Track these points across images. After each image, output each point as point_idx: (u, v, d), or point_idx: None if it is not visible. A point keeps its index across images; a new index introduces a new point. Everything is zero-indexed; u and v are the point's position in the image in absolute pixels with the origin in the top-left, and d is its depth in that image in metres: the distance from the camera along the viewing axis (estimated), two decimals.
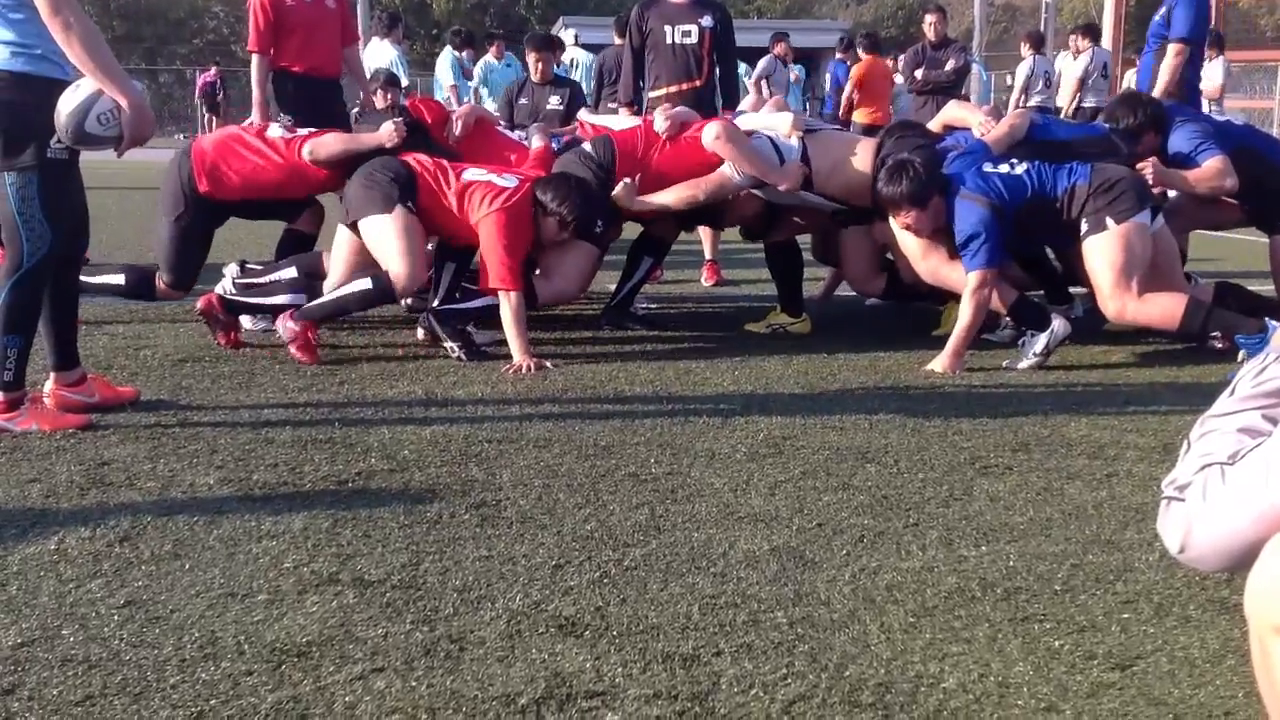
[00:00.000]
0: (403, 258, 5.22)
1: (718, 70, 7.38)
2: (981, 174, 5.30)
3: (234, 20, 46.02)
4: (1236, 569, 1.78)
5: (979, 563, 2.97)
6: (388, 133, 5.66)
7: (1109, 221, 5.15)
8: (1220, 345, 5.46)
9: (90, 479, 3.51)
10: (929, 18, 12.32)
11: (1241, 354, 5.11)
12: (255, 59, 7.08)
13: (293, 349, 5.13)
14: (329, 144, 5.73)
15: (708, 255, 7.90)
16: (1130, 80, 10.80)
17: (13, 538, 3.04)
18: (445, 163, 5.50)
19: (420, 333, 5.73)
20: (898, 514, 3.33)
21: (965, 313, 5.21)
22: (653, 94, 7.33)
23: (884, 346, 5.67)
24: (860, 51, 14.38)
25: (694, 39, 7.27)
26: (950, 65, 11.80)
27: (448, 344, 5.37)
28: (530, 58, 8.86)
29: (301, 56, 7.05)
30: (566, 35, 16.36)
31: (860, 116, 13.38)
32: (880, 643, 2.51)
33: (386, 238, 5.25)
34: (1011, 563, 2.97)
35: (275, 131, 5.94)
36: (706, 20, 7.29)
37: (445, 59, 13.84)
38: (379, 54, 12.26)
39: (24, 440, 3.87)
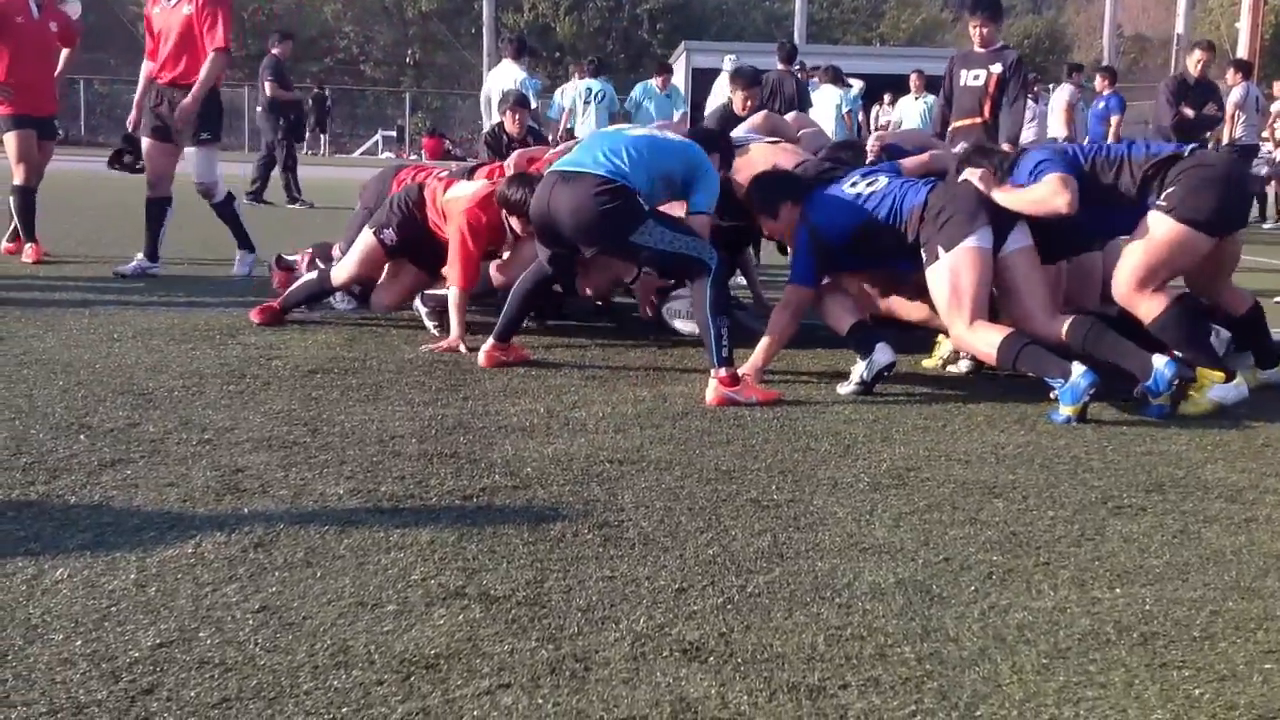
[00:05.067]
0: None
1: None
2: (824, 197, 5.30)
3: (364, 40, 47.09)
4: None
5: (1114, 605, 2.89)
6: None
7: (939, 250, 4.97)
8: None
9: (225, 485, 3.61)
10: (1198, 53, 11.91)
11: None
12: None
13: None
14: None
15: None
16: None
17: (151, 540, 3.13)
18: None
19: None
20: (1028, 552, 3.26)
21: (770, 324, 5.31)
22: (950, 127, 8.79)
23: (1008, 381, 5.56)
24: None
25: (980, 81, 8.57)
26: (1218, 104, 11.41)
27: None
28: (737, 95, 8.30)
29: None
30: (722, 61, 16.09)
31: None
32: (1012, 683, 2.46)
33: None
34: (1148, 606, 2.89)
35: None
36: (996, 66, 8.54)
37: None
38: (507, 75, 12.39)
39: (162, 444, 4.00)
